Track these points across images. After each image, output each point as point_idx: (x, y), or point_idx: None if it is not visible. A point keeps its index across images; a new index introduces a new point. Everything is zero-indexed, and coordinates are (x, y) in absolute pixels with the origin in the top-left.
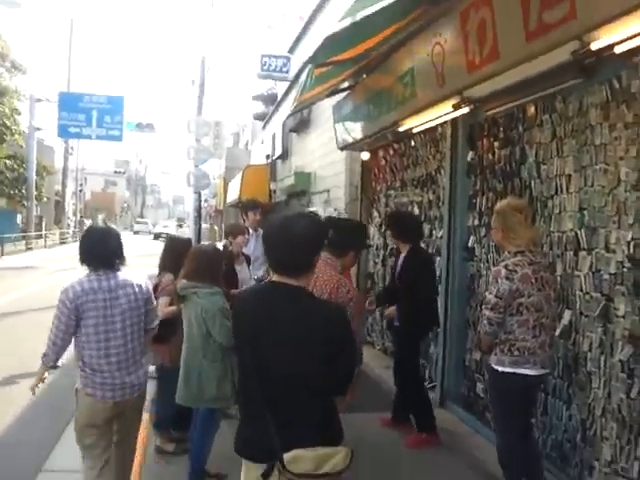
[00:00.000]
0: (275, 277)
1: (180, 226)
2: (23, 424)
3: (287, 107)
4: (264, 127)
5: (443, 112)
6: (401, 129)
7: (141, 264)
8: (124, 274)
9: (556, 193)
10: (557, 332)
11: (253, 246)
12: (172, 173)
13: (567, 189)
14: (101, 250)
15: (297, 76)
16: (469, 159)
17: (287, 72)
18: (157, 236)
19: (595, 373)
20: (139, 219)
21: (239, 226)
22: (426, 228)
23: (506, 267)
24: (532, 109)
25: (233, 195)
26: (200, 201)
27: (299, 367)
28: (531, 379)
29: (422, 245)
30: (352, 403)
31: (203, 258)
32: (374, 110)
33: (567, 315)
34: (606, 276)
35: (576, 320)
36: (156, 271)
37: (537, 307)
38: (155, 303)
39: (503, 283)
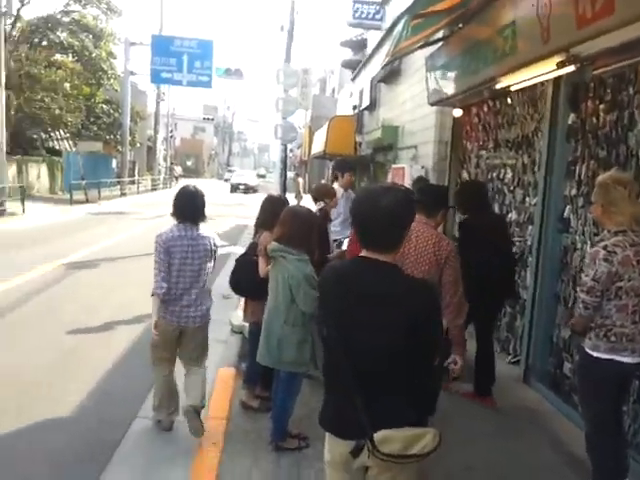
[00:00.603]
0: (364, 252)
1: (262, 176)
2: (121, 371)
3: (379, 59)
4: (353, 79)
5: (546, 70)
6: (498, 86)
7: (231, 214)
8: (203, 228)
9: None
10: None
11: (343, 206)
12: (259, 121)
13: None
14: (188, 209)
15: (391, 27)
16: (570, 122)
17: (380, 20)
18: (235, 188)
19: None
20: (230, 168)
21: (331, 188)
22: (519, 194)
23: (605, 248)
24: None
25: (318, 146)
26: (286, 152)
27: (386, 342)
28: (628, 367)
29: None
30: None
31: (295, 222)
32: (469, 64)
33: None
34: None
35: None
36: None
37: (638, 292)
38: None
39: (601, 265)
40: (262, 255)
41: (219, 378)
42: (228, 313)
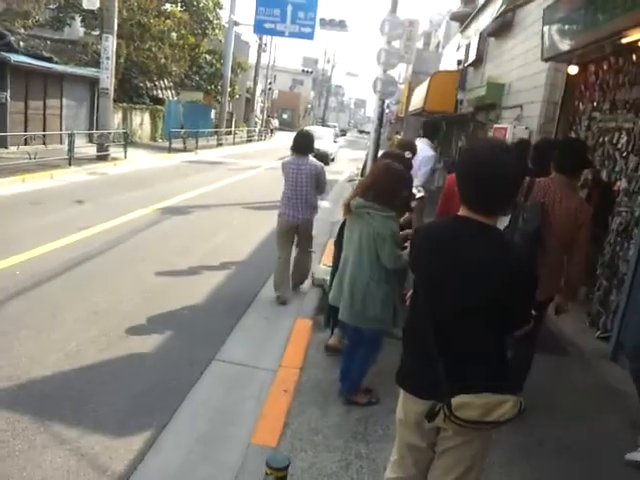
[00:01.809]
0: (465, 212)
1: (343, 133)
2: (202, 314)
3: (491, 10)
4: (462, 32)
5: None
6: (624, 40)
7: None
8: (309, 158)
9: None
10: None
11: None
12: (358, 75)
13: None
14: (300, 144)
15: None
16: None
17: None
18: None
19: None
20: (328, 123)
21: (414, 144)
22: (632, 161)
23: None
24: None
25: (417, 103)
26: (383, 108)
27: (475, 307)
28: None
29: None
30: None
31: (387, 178)
32: (594, 16)
33: None
34: None
35: None
36: None
37: None
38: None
39: None
40: (345, 210)
41: (296, 329)
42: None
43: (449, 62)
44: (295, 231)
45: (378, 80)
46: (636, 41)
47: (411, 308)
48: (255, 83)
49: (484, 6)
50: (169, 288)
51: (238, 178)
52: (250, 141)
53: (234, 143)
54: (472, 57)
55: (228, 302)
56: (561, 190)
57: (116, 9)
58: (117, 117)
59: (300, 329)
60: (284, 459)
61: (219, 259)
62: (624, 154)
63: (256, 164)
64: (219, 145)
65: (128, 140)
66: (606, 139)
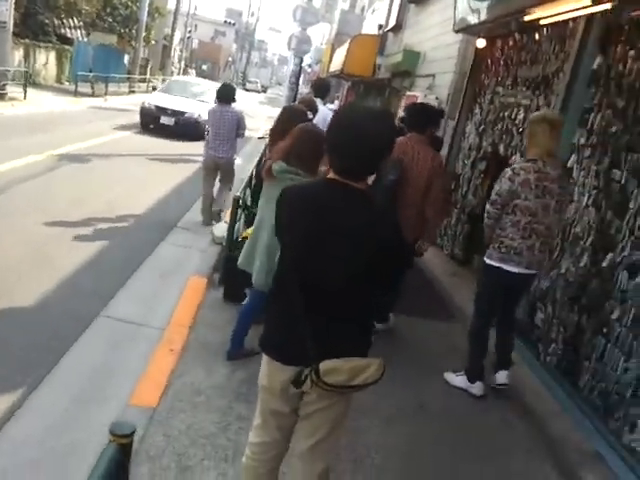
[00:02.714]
0: (333, 175)
1: (264, 90)
2: (92, 269)
3: None
4: None
5: (580, 5)
6: (528, 18)
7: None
8: (231, 106)
9: None
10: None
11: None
12: (282, 31)
13: None
14: (223, 94)
15: None
16: (595, 66)
17: None
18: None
19: None
20: (250, 79)
21: (314, 102)
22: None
23: (512, 169)
24: None
25: (337, 65)
26: (300, 66)
27: (345, 267)
28: (513, 276)
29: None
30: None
31: (310, 142)
32: None
33: None
34: None
35: None
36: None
37: (531, 212)
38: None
39: (504, 182)
40: (267, 174)
41: (189, 286)
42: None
43: (371, 26)
44: (218, 168)
45: (293, 37)
46: (538, 19)
47: (279, 267)
48: (173, 30)
49: None
50: (57, 241)
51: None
52: None
53: (147, 91)
54: (392, 22)
55: (121, 258)
56: (417, 146)
57: None
58: (18, 54)
59: (193, 287)
60: (130, 426)
61: (115, 212)
62: (520, 130)
63: None
64: (131, 92)
65: (30, 80)
66: (506, 114)
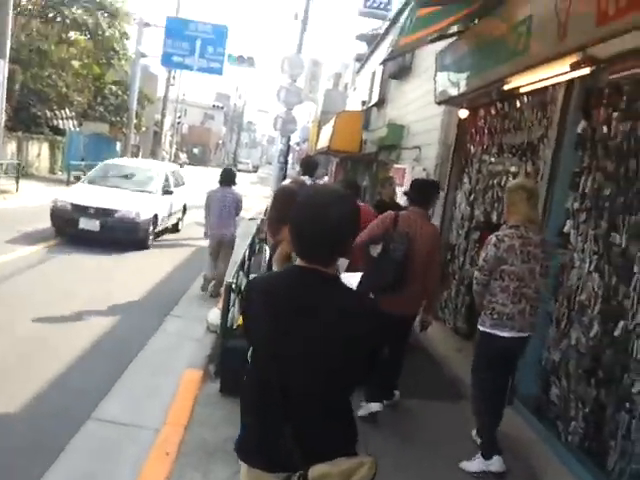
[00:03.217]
0: (302, 262)
1: (255, 170)
2: (81, 368)
3: (385, 50)
4: (359, 71)
5: (559, 71)
6: (507, 87)
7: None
8: (232, 188)
9: None
10: None
11: None
12: (269, 112)
13: None
14: (224, 178)
15: (398, 14)
16: (580, 130)
17: (389, 10)
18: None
19: None
20: (241, 159)
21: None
22: None
23: (497, 236)
24: None
25: (324, 142)
26: (288, 146)
27: (322, 361)
28: (508, 341)
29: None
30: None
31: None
32: (480, 62)
33: None
34: None
35: None
36: None
37: (518, 276)
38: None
39: (490, 249)
40: (284, 259)
41: (184, 380)
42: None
43: (355, 102)
44: (222, 245)
45: (278, 118)
46: (517, 88)
47: (251, 367)
48: (163, 116)
49: (376, 48)
50: (46, 337)
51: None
52: None
53: None
54: (375, 98)
55: (113, 350)
56: (420, 220)
57: (9, 32)
58: (10, 147)
59: (188, 380)
60: None
61: (107, 303)
62: None
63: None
64: None
65: (22, 172)
66: (495, 181)
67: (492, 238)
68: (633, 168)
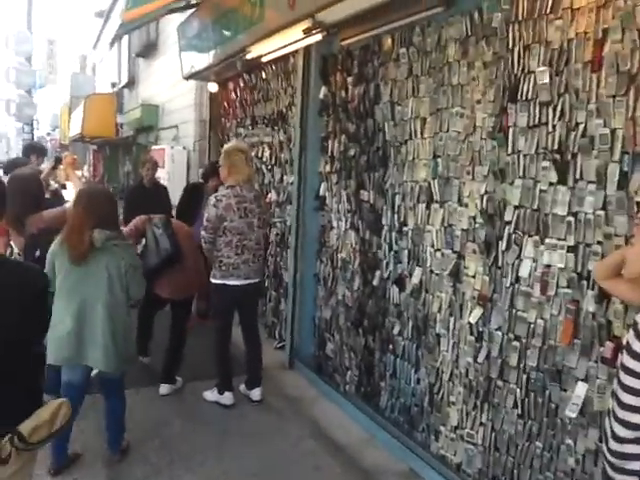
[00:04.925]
0: None
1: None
2: None
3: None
4: (93, 47)
5: (293, 38)
6: (249, 56)
7: None
8: None
9: (410, 138)
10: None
11: None
12: None
13: (422, 134)
14: None
15: None
16: (322, 96)
17: None
18: None
19: (444, 335)
20: None
21: None
22: (277, 172)
23: (215, 197)
24: (389, 41)
25: (76, 129)
26: (32, 134)
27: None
28: (235, 288)
29: None
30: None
31: (108, 202)
32: (221, 33)
33: (417, 273)
34: (458, 232)
35: (426, 279)
36: None
37: (239, 231)
38: None
39: (211, 209)
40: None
41: None
42: None
43: (104, 84)
44: None
45: (11, 102)
46: (260, 57)
47: None
48: None
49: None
50: None
51: None
52: None
53: None
54: (124, 79)
55: None
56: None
57: None
58: None
59: None
60: None
61: None
62: (269, 167)
63: None
64: None
65: None
66: (252, 154)
67: (211, 199)
68: (371, 129)
